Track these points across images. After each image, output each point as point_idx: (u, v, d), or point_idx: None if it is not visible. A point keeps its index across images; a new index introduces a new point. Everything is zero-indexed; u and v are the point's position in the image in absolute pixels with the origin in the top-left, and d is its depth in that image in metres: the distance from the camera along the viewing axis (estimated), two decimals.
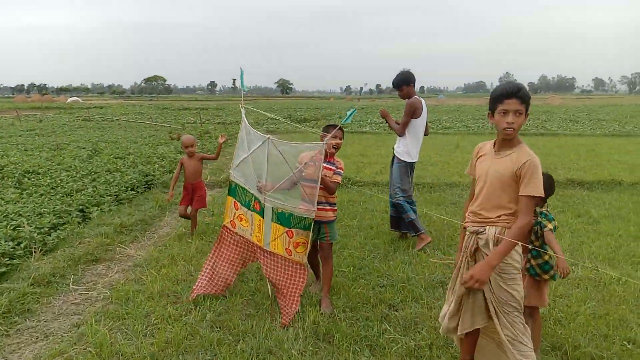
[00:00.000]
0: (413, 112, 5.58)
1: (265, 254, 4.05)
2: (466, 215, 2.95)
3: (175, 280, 4.59)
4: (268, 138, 3.91)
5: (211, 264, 4.33)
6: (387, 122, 5.82)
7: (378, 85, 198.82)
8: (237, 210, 4.25)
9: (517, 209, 2.68)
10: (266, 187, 3.97)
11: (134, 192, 7.84)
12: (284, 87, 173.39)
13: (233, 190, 4.26)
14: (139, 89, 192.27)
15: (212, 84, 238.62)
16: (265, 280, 4.31)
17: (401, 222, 5.76)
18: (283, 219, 3.88)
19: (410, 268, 4.85)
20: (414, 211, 5.69)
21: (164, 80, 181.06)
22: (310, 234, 3.87)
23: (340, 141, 4.04)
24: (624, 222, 6.54)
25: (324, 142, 3.72)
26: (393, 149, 5.82)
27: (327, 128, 4.05)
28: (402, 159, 5.66)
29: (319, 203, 3.87)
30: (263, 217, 3.99)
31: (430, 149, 13.78)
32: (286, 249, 3.94)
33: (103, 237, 5.71)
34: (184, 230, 6.18)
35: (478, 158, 2.93)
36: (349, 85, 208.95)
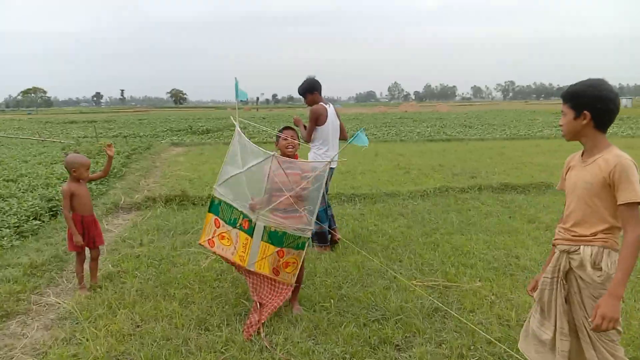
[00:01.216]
0: (317, 119, 5.61)
1: (250, 273, 3.92)
2: (556, 230, 2.61)
3: (121, 335, 3.66)
4: (273, 155, 3.77)
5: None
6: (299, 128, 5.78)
7: (274, 95, 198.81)
8: (218, 228, 4.00)
9: (620, 223, 2.31)
10: (261, 206, 3.83)
11: (38, 222, 6.56)
12: (177, 97, 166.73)
13: (216, 207, 3.99)
14: (14, 103, 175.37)
15: (98, 95, 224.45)
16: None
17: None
18: (275, 238, 3.80)
19: (395, 295, 4.31)
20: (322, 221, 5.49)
21: (44, 92, 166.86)
22: (303, 254, 3.87)
23: (295, 141, 4.03)
24: None
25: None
26: None
27: (284, 130, 4.13)
28: None
29: (292, 211, 3.82)
30: (251, 236, 3.86)
31: (352, 157, 13.48)
32: (274, 268, 3.88)
33: (11, 283, 4.55)
34: (111, 267, 5.16)
35: (567, 171, 2.61)
36: None
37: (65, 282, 4.87)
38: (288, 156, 3.99)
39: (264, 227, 3.84)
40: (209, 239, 4.04)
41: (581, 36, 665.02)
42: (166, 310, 4.03)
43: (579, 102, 2.38)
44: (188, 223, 6.88)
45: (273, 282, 3.90)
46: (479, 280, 4.66)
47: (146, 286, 4.57)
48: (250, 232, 3.87)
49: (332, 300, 4.18)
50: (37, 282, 4.72)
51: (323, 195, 5.42)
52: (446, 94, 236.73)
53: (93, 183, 9.10)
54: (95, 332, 3.67)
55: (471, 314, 3.99)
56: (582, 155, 2.51)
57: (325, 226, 5.55)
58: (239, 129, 4.04)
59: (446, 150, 16.07)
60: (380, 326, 3.75)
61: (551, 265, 2.57)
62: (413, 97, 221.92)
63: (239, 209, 3.89)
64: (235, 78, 3.84)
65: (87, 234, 4.55)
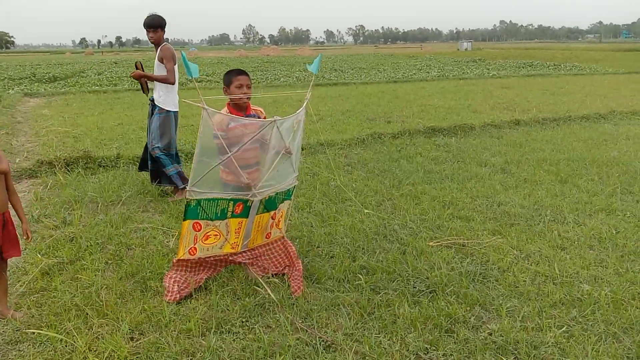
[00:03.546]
0: (173, 57, 5.31)
1: (244, 254, 3.59)
2: None
3: (120, 358, 2.68)
4: (275, 120, 3.19)
5: (173, 274, 3.40)
6: (147, 79, 5.49)
7: (118, 38, 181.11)
8: (199, 231, 3.34)
9: None
10: (258, 176, 3.34)
11: None
12: (2, 40, 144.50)
13: (193, 210, 3.25)
14: None
15: None
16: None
17: (162, 176, 5.58)
18: (269, 204, 3.53)
19: (419, 259, 3.82)
20: (178, 162, 5.58)
21: None
22: (291, 203, 3.87)
23: (249, 89, 3.59)
24: (528, 165, 6.56)
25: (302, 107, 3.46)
26: (151, 100, 5.51)
27: (230, 75, 3.60)
28: (166, 108, 5.38)
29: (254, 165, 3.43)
30: (246, 217, 3.44)
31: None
32: (266, 234, 3.69)
33: None
34: (40, 256, 3.93)
35: None
36: (84, 38, 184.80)
37: None
38: (241, 106, 3.58)
39: (260, 200, 3.40)
40: (190, 248, 3.38)
41: None
42: (162, 313, 3.09)
43: None
44: (111, 190, 5.64)
45: (268, 247, 3.73)
46: (495, 235, 4.35)
47: (111, 281, 3.52)
48: (245, 213, 3.41)
49: (360, 276, 3.55)
50: None
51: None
52: (300, 37, 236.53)
53: None
54: (85, 356, 2.65)
55: (509, 274, 3.64)
56: None
57: (172, 169, 5.45)
58: (208, 111, 2.99)
59: (341, 95, 15.69)
60: (434, 302, 3.22)
61: None
62: (268, 41, 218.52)
63: (227, 198, 3.31)
64: (182, 52, 3.14)
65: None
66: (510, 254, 3.95)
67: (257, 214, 3.47)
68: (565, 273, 3.63)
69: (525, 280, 3.53)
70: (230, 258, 3.52)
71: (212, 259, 3.48)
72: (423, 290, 3.37)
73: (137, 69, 5.45)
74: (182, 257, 3.35)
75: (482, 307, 3.20)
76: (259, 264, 3.63)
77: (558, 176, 6.06)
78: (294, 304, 3.20)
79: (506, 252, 3.97)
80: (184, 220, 3.25)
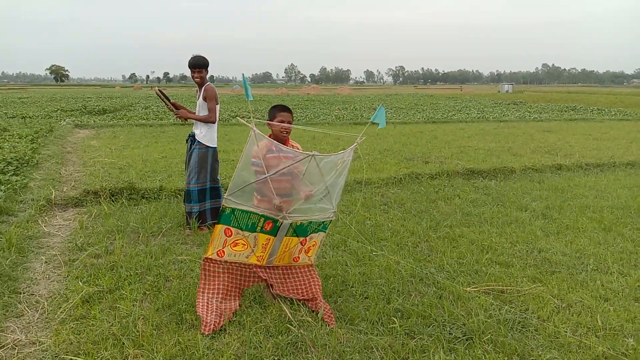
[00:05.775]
0: (217, 98, 5.62)
1: (268, 270, 3.76)
2: None
3: None
4: (313, 155, 3.38)
5: (205, 300, 3.56)
6: (191, 118, 5.65)
7: (166, 74, 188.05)
8: (229, 237, 3.57)
9: None
10: (290, 205, 3.57)
11: None
12: (58, 74, 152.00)
13: (227, 217, 3.50)
14: None
15: None
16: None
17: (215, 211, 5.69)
18: (300, 230, 3.68)
19: (455, 304, 3.75)
20: (214, 198, 5.71)
21: None
22: (325, 235, 3.92)
23: (290, 125, 3.83)
24: (570, 211, 6.39)
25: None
26: (190, 135, 5.69)
27: (274, 110, 3.88)
28: (207, 144, 5.58)
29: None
30: (274, 235, 3.63)
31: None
32: (294, 258, 3.84)
33: None
34: (82, 284, 4.05)
35: None
36: (133, 73, 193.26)
37: (27, 309, 3.70)
38: (280, 140, 3.74)
39: (290, 224, 3.60)
40: (219, 250, 3.59)
41: (466, 25, 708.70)
42: (196, 347, 3.12)
43: None
44: (152, 221, 5.79)
45: (294, 270, 3.85)
46: (535, 283, 4.23)
47: (148, 312, 3.58)
48: (273, 232, 3.61)
49: (394, 319, 3.51)
50: None
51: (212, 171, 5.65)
52: (341, 77, 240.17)
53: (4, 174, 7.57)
54: None
55: (549, 324, 3.52)
56: None
57: (196, 208, 5.58)
58: (255, 132, 3.32)
59: (379, 133, 15.75)
60: (471, 350, 3.15)
61: None
62: (309, 80, 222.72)
63: (259, 213, 3.52)
64: (243, 74, 3.47)
65: None
66: (550, 303, 3.83)
67: (285, 236, 3.64)
68: (609, 325, 3.49)
69: (566, 331, 3.41)
70: (254, 269, 3.67)
71: (237, 271, 3.65)
72: (459, 337, 3.29)
73: (157, 94, 5.72)
74: (210, 256, 3.57)
75: (521, 358, 3.10)
76: (282, 287, 3.75)
77: (601, 224, 5.88)
78: (326, 344, 3.18)
79: (546, 301, 3.86)
80: (217, 223, 3.50)
